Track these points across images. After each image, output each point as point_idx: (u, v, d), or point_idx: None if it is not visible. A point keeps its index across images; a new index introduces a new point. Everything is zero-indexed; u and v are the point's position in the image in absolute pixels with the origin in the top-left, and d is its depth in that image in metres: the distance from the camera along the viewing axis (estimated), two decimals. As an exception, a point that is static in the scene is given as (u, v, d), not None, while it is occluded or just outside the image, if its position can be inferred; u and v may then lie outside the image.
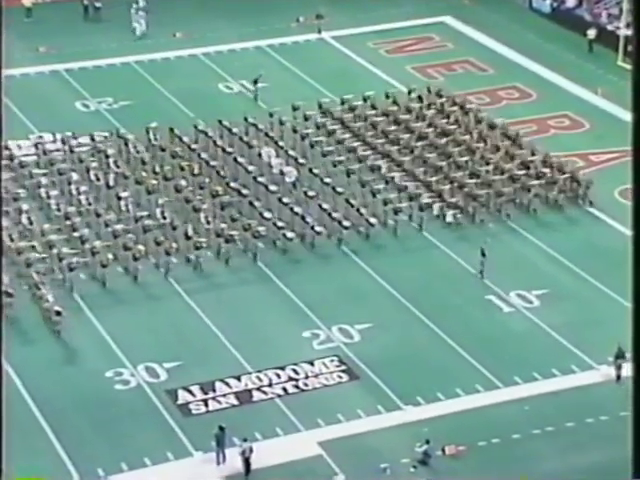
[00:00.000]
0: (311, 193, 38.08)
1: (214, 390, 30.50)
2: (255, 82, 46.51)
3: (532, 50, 51.48)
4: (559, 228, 38.22)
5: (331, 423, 29.37)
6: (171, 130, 41.72)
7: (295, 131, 41.96)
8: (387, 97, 44.25)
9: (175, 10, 54.76)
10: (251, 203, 37.51)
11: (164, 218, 36.74)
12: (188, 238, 35.80)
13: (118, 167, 39.54)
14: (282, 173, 39.57)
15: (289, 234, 36.26)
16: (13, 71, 46.19)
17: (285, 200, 37.58)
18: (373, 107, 43.60)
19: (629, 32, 48.98)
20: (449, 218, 37.42)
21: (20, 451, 25.98)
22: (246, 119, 42.58)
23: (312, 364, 31.50)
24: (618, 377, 30.83)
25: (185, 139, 41.14)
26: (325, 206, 37.49)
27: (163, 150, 40.61)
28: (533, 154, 40.71)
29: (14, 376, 30.58)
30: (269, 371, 31.14)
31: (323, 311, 33.75)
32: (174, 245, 35.52)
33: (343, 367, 31.47)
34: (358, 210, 37.45)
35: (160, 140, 41.14)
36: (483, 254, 35.31)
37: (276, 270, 35.85)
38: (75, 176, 38.95)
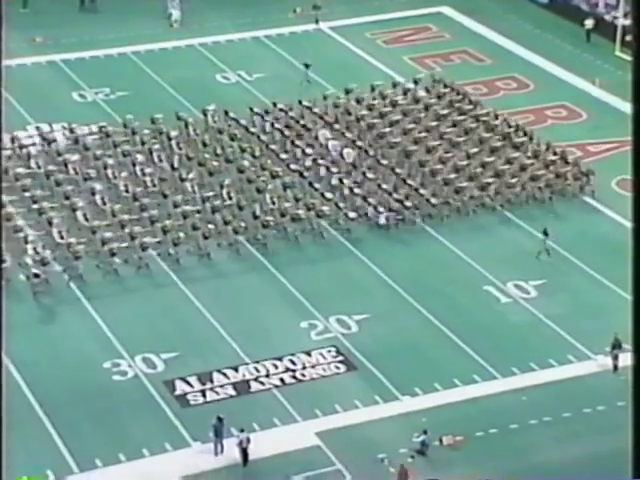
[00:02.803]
0: (370, 175, 38.54)
1: (212, 381, 30.50)
2: (307, 66, 46.74)
3: (530, 40, 51.41)
4: (556, 218, 38.19)
5: (329, 413, 29.39)
6: (226, 113, 42.20)
7: (349, 113, 42.41)
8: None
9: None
10: (311, 184, 38.11)
11: (230, 198, 37.24)
12: (255, 217, 36.29)
13: (180, 149, 40.12)
14: (341, 155, 39.99)
15: (351, 214, 36.80)
16: (10, 62, 46.03)
17: (345, 181, 38.19)
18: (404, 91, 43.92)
19: (627, 22, 48.95)
20: (382, 220, 37.10)
21: (18, 443, 25.97)
22: (300, 102, 42.95)
23: (310, 355, 31.50)
24: (615, 367, 30.85)
25: (242, 121, 41.80)
26: (385, 187, 37.89)
27: (221, 132, 41.19)
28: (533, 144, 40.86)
29: (12, 368, 30.58)
30: (267, 362, 31.15)
31: (321, 302, 33.75)
32: (242, 224, 36.09)
33: (341, 358, 31.48)
34: (417, 190, 37.78)
35: (218, 122, 41.83)
36: (546, 233, 35.51)
37: (274, 261, 35.84)
38: (140, 158, 39.58)
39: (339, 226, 37.06)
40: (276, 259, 35.97)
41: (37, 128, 42.02)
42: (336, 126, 41.80)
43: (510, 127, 41.96)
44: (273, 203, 37.12)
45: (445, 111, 42.96)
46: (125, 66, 49.23)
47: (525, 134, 41.62)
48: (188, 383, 30.45)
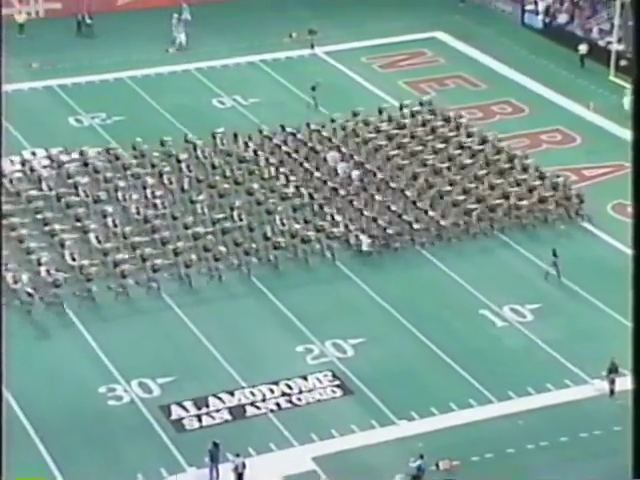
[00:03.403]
0: (378, 197, 38.77)
1: (207, 405, 30.40)
2: (313, 89, 47.01)
3: (524, 65, 51.66)
4: (552, 242, 38.21)
5: (325, 438, 29.30)
6: (235, 136, 42.57)
7: (357, 135, 42.83)
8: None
9: (167, 26, 54.84)
10: (321, 206, 38.36)
11: (240, 220, 37.48)
12: (267, 239, 36.54)
13: (190, 171, 40.43)
14: (349, 177, 40.25)
15: (362, 236, 37.02)
16: (6, 87, 46.15)
17: (354, 203, 38.48)
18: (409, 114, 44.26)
19: (620, 47, 49.21)
20: (365, 246, 36.95)
21: (12, 467, 25.84)
22: (308, 125, 43.20)
23: (306, 379, 31.44)
24: (612, 392, 30.80)
25: (250, 144, 42.23)
26: (394, 208, 38.07)
27: (229, 155, 41.52)
28: (525, 169, 40.94)
29: (6, 391, 30.44)
30: (263, 386, 31.08)
31: (316, 326, 33.71)
32: (253, 245, 36.27)
33: (337, 382, 31.42)
34: (426, 212, 38.03)
35: (226, 145, 42.27)
36: (555, 254, 35.55)
37: (269, 284, 35.83)
38: (150, 180, 39.86)
39: (350, 247, 37.09)
40: (271, 282, 35.95)
41: (33, 154, 42.12)
42: (344, 148, 42.09)
43: (512, 152, 42.03)
44: (283, 225, 37.32)
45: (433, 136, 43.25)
46: (121, 91, 49.37)
47: (526, 158, 41.66)
48: (184, 408, 30.35)
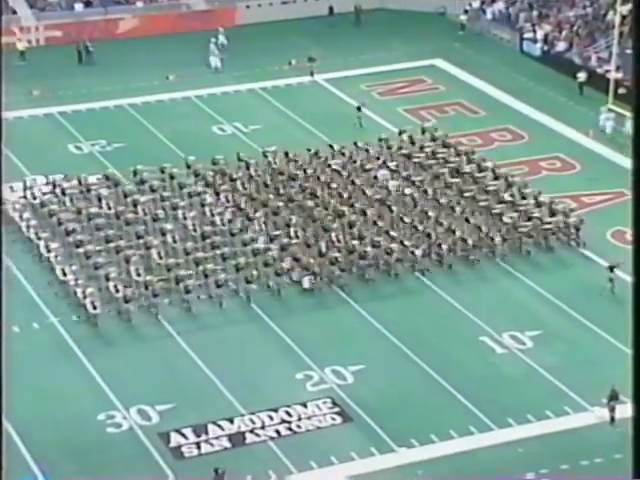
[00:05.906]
0: (431, 213, 39.14)
1: (207, 433, 30.32)
2: (359, 109, 47.51)
3: (523, 92, 51.83)
4: (552, 269, 38.24)
5: (324, 465, 29.20)
6: (286, 154, 42.84)
7: (405, 155, 43.27)
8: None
9: (167, 53, 55.10)
10: (375, 222, 38.67)
11: (297, 237, 37.82)
12: (322, 255, 36.70)
13: (245, 189, 40.91)
14: (403, 194, 40.54)
15: (417, 251, 37.34)
16: (7, 114, 46.27)
17: (406, 219, 38.87)
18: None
19: (619, 75, 49.41)
20: (306, 284, 36.63)
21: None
22: (355, 143, 43.64)
23: (305, 406, 31.37)
24: (612, 419, 30.71)
25: (299, 162, 42.56)
26: (446, 224, 38.53)
27: (281, 173, 41.85)
28: (524, 197, 41.00)
29: (4, 419, 30.34)
30: (262, 413, 30.99)
31: (316, 353, 33.66)
32: (312, 261, 36.57)
33: (336, 409, 31.33)
34: (479, 228, 38.31)
35: (279, 163, 42.65)
36: (611, 270, 35.72)
37: (269, 311, 35.81)
38: (209, 199, 40.31)
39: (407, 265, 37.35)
40: (270, 309, 35.92)
41: (47, 179, 41.90)
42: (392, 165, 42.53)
43: (508, 179, 42.13)
44: (339, 241, 37.51)
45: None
46: (122, 118, 49.49)
47: (526, 186, 41.68)
48: (183, 435, 30.26)
